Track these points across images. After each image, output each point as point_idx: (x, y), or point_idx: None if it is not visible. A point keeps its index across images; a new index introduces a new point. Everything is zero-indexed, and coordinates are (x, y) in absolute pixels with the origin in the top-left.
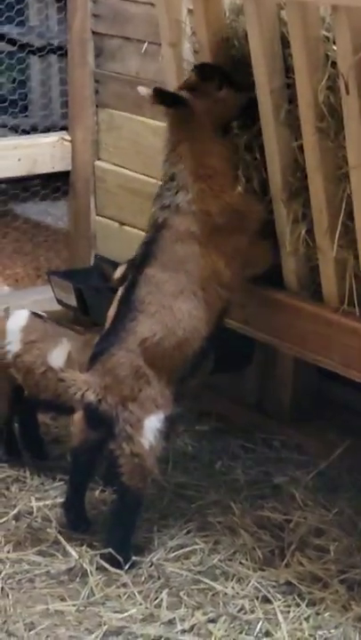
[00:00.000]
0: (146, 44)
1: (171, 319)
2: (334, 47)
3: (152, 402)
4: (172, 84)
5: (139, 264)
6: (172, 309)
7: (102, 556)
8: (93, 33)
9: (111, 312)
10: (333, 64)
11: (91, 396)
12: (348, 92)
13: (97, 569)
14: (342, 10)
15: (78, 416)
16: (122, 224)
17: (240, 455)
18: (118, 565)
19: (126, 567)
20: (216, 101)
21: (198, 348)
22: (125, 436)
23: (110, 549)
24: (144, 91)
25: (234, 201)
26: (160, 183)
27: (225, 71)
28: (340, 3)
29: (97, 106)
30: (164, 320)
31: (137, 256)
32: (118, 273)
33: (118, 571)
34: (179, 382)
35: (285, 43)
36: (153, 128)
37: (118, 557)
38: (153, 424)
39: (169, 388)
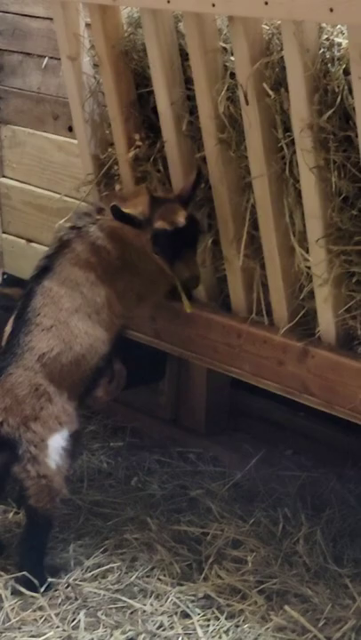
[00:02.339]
0: (46, 58)
1: (67, 334)
2: (232, 58)
3: (55, 420)
4: (73, 98)
5: (37, 275)
6: (69, 325)
7: (17, 580)
8: None
9: (8, 328)
10: (232, 75)
11: None
12: (247, 103)
13: (12, 593)
14: (238, 21)
15: None
16: (29, 241)
17: (156, 470)
18: (34, 588)
19: (42, 590)
20: (144, 243)
21: (95, 365)
22: (30, 457)
23: (25, 572)
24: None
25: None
26: (83, 203)
27: (169, 236)
28: (236, 14)
29: None
30: (60, 334)
31: (36, 268)
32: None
33: (34, 594)
34: (81, 397)
35: (184, 54)
36: (57, 143)
37: (33, 580)
38: (58, 443)
39: (71, 404)
